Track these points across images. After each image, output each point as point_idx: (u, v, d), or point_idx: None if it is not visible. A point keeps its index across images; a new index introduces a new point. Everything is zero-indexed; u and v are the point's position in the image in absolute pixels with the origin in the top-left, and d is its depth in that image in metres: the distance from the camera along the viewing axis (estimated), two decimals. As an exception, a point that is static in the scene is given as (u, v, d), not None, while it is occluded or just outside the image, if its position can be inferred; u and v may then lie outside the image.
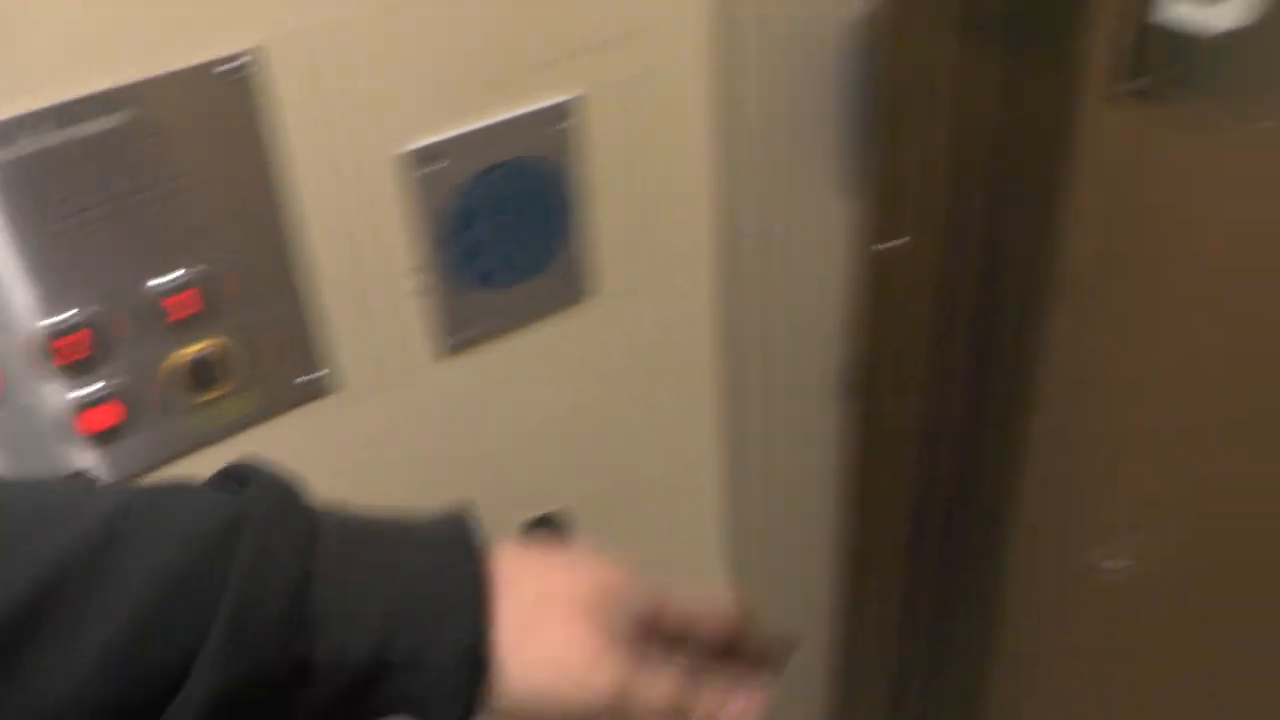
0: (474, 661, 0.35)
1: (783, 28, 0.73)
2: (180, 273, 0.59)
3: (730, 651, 0.42)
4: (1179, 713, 0.73)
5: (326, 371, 0.68)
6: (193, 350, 0.61)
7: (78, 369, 0.57)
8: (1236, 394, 0.64)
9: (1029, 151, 0.63)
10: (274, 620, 0.33)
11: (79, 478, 0.38)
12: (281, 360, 0.65)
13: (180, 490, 0.36)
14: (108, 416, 0.58)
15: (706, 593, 0.42)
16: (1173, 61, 0.49)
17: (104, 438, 0.59)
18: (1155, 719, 0.75)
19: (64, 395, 0.57)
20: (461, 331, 0.73)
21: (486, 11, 0.63)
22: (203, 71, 0.55)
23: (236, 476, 0.37)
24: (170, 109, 0.55)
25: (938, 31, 0.67)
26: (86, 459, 0.59)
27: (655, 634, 0.40)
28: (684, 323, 0.86)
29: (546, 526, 0.93)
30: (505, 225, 0.70)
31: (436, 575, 0.36)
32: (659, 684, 0.38)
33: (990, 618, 0.87)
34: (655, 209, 0.78)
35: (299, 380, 0.67)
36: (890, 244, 0.77)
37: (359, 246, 0.65)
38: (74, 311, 0.56)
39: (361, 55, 0.60)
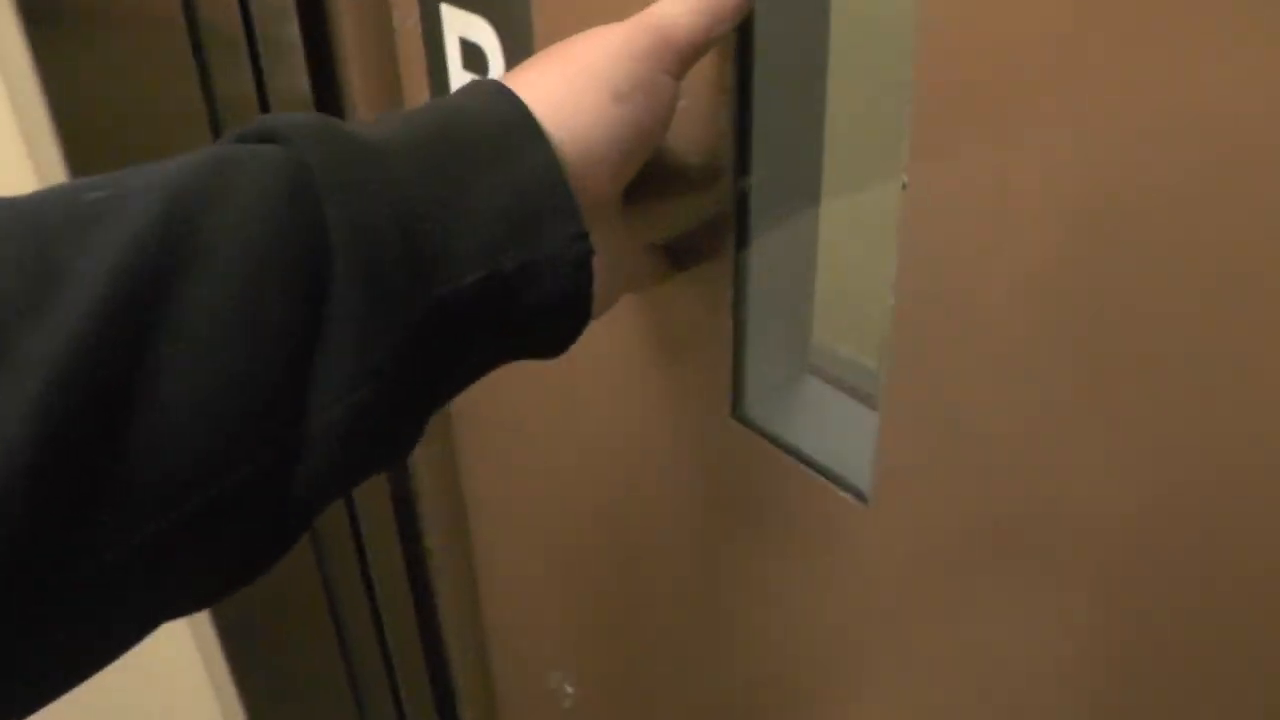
0: (579, 239, 0.33)
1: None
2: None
3: None
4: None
5: None
6: None
7: None
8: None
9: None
10: (395, 265, 0.30)
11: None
12: None
13: (207, 168, 0.29)
14: None
15: None
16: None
17: None
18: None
19: None
20: None
21: None
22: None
23: (263, 135, 0.32)
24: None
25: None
26: None
27: None
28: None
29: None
30: None
31: (512, 166, 0.33)
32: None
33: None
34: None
35: None
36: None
37: None
38: None
39: None
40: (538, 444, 0.62)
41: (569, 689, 0.66)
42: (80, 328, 0.25)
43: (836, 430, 0.43)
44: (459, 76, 0.52)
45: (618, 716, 0.65)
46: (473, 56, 0.51)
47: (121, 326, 0.26)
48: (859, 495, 0.40)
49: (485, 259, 0.32)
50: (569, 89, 0.34)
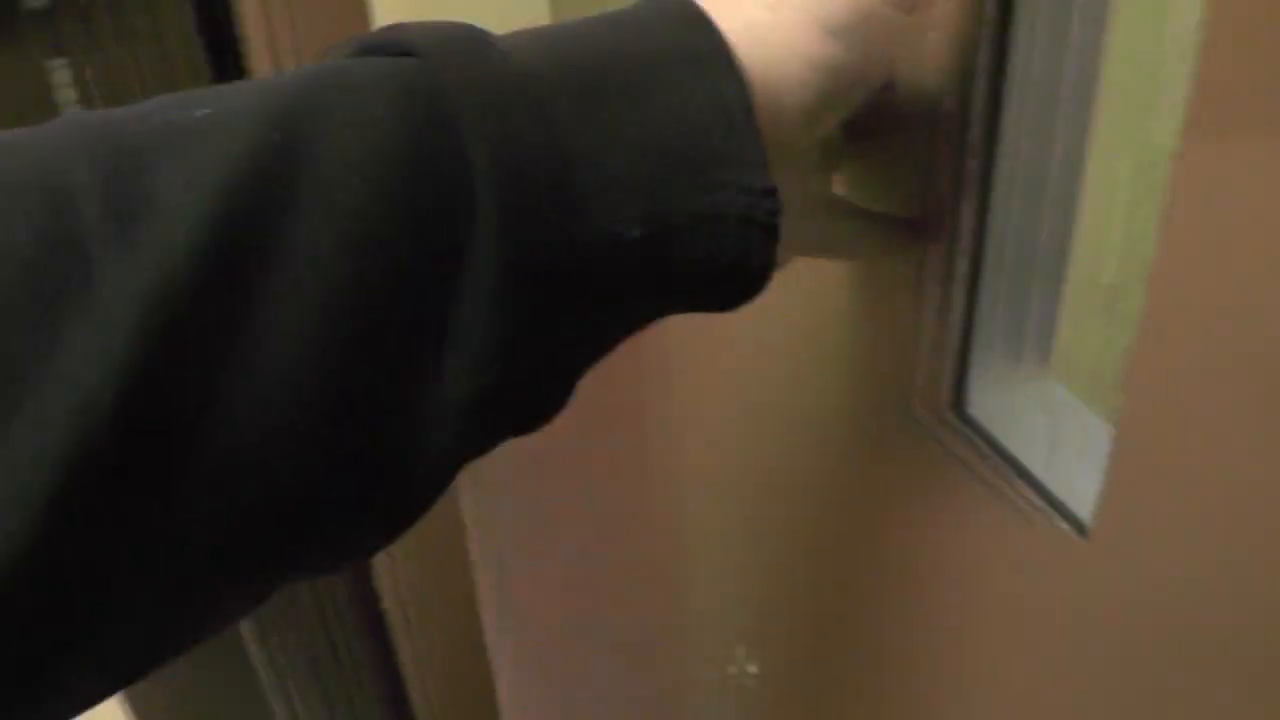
0: (765, 194, 0.28)
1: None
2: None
3: None
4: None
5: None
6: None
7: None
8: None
9: None
10: (545, 216, 0.25)
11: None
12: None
13: (325, 86, 0.25)
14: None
15: None
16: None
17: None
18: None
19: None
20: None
21: None
22: None
23: (391, 47, 0.27)
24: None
25: None
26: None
27: None
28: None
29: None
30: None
31: (689, 98, 0.28)
32: None
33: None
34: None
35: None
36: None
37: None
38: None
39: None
40: (736, 412, 0.58)
41: (751, 669, 0.63)
42: (171, 270, 0.22)
43: (1067, 444, 0.36)
44: None
45: (794, 701, 0.61)
46: None
47: (216, 271, 0.22)
48: (1079, 527, 0.34)
49: (650, 209, 0.27)
50: (771, 14, 0.29)
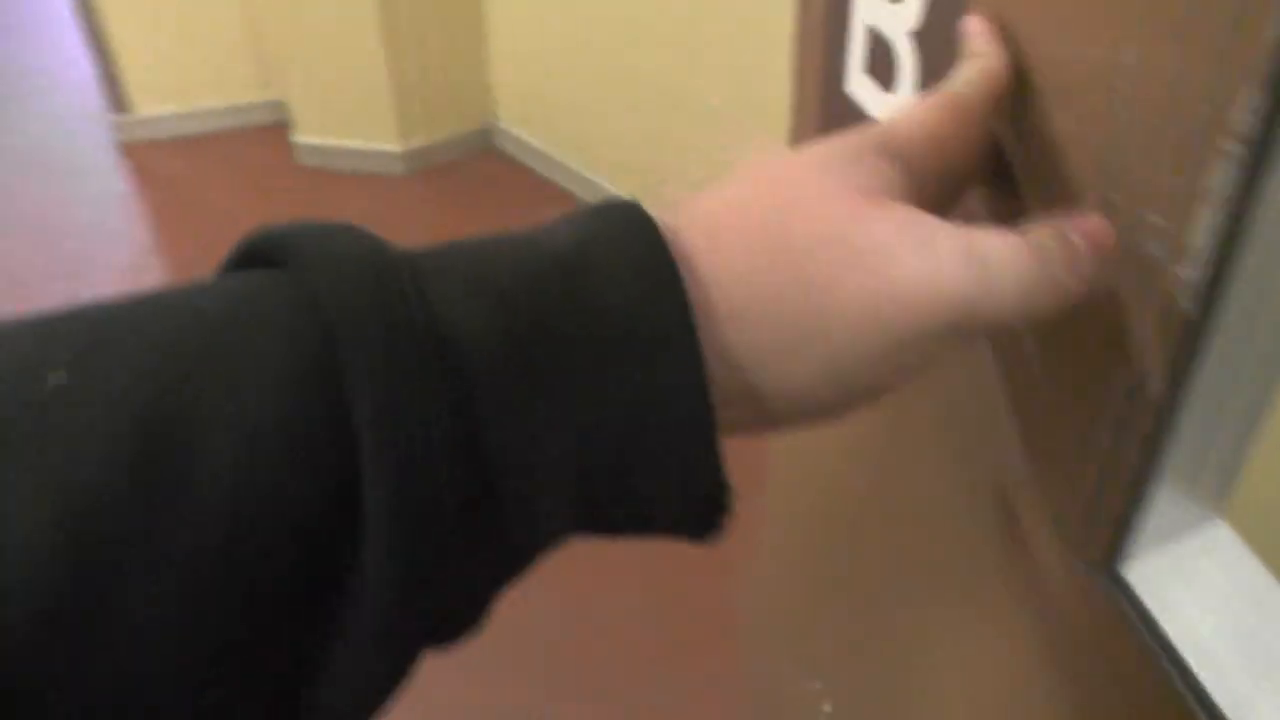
0: (715, 492, 0.25)
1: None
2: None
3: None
4: None
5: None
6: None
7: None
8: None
9: None
10: (452, 536, 0.22)
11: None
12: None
13: (204, 354, 0.21)
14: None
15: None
16: None
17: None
18: None
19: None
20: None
21: None
22: None
23: (275, 252, 0.23)
24: None
25: None
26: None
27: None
28: None
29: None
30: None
31: (635, 397, 0.24)
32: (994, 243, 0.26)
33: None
34: None
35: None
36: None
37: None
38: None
39: None
40: (835, 489, 0.53)
41: (826, 708, 0.59)
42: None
43: (1244, 639, 0.30)
44: (859, 83, 0.42)
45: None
46: (881, 56, 0.40)
47: (51, 620, 0.19)
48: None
49: (579, 509, 0.24)
50: (771, 291, 0.25)
